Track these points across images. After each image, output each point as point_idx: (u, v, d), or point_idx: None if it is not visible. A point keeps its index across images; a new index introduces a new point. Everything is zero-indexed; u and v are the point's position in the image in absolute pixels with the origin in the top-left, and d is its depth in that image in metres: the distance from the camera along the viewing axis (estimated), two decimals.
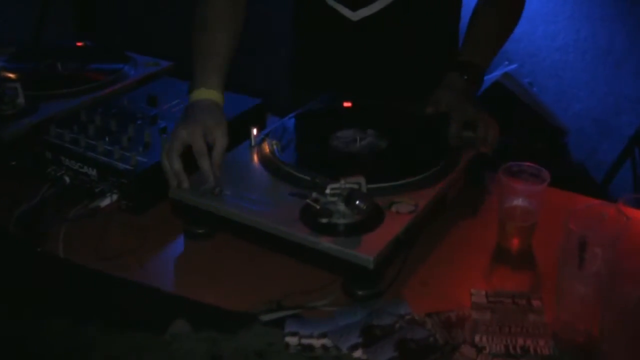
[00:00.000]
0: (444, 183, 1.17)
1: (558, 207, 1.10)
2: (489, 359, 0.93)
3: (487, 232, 1.19)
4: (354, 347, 0.94)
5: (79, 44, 1.79)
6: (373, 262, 0.99)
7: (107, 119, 1.37)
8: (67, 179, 1.28)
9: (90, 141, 1.29)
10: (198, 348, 0.96)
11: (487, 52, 1.44)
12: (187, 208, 1.15)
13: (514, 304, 1.03)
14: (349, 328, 0.97)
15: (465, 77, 1.38)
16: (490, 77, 2.76)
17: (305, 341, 0.96)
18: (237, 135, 1.26)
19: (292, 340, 0.96)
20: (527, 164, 1.15)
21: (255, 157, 1.24)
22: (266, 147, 1.25)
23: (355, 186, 1.05)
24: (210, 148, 1.19)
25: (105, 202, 1.24)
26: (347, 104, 1.43)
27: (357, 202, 1.03)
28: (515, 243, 1.16)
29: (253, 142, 1.27)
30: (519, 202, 1.15)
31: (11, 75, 1.58)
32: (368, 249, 1.00)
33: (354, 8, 1.44)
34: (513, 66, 2.88)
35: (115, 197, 1.24)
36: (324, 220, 1.04)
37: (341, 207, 1.04)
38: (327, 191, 1.05)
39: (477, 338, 0.96)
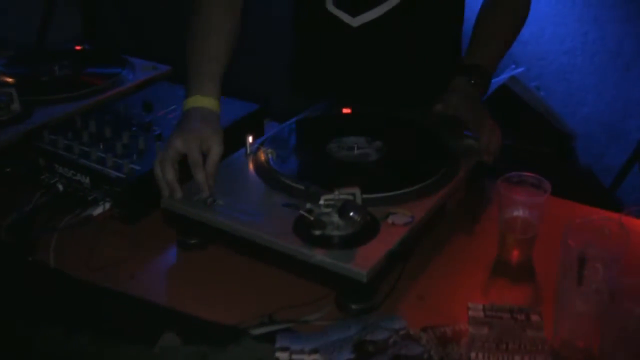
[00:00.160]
0: (442, 193, 1.14)
1: (560, 217, 1.06)
2: None
3: (486, 243, 1.17)
4: None
5: (77, 47, 1.78)
6: (366, 276, 0.96)
7: (102, 125, 1.35)
8: (61, 187, 1.27)
9: (84, 148, 1.28)
10: None
11: (493, 55, 1.43)
12: (179, 218, 1.13)
13: (512, 319, 1.00)
14: (342, 343, 0.95)
15: (472, 81, 1.36)
16: (496, 81, 2.73)
17: (296, 357, 0.94)
18: (234, 142, 1.24)
19: (282, 356, 0.94)
20: (528, 174, 1.13)
21: (251, 166, 1.22)
22: (261, 156, 1.23)
23: (350, 197, 1.03)
24: (204, 156, 1.17)
25: (98, 210, 1.22)
26: (344, 111, 1.41)
27: (351, 214, 1.00)
28: (515, 255, 1.14)
29: (248, 150, 1.25)
30: (519, 213, 1.12)
31: (8, 80, 1.57)
32: (361, 263, 0.98)
33: (353, 14, 1.42)
34: (520, 69, 2.85)
35: (108, 205, 1.22)
36: (317, 232, 1.02)
37: (335, 218, 1.02)
38: (321, 202, 1.02)
39: (473, 355, 0.93)
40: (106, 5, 3.07)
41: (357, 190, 1.04)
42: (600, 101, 2.92)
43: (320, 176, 1.16)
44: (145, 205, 1.22)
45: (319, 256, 0.99)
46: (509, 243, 1.13)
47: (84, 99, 1.49)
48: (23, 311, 1.05)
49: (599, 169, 2.85)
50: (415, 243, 1.07)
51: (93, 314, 1.05)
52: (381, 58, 1.48)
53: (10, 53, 1.76)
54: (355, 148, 1.24)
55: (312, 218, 1.02)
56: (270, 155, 1.22)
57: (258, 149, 1.25)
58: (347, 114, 1.41)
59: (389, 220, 1.06)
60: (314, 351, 0.94)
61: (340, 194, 1.03)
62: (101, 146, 1.28)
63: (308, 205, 1.04)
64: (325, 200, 1.02)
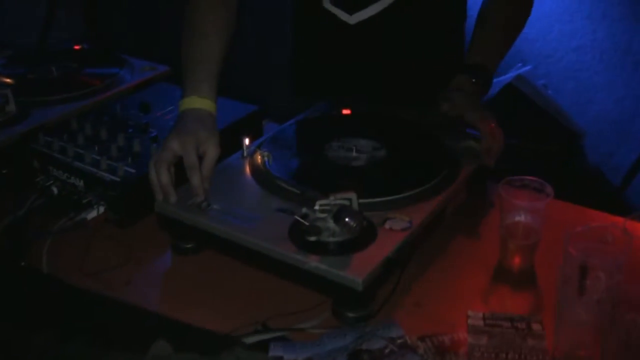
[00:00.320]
0: (442, 197, 1.12)
1: (564, 222, 1.04)
2: None
3: (487, 249, 1.14)
4: None
5: (76, 47, 1.76)
6: (362, 284, 0.94)
7: (98, 126, 1.33)
8: (55, 190, 1.25)
9: (79, 150, 1.26)
10: None
11: (495, 54, 1.41)
12: (173, 222, 1.11)
13: (512, 328, 0.97)
14: (336, 353, 0.92)
15: (474, 80, 1.34)
16: (503, 79, 2.69)
17: None
18: (232, 144, 1.22)
19: None
20: (530, 178, 1.10)
21: (247, 169, 1.19)
22: (258, 158, 1.21)
23: (346, 202, 1.00)
24: (200, 159, 1.15)
25: (92, 214, 1.21)
26: (343, 112, 1.38)
27: (347, 220, 0.98)
28: (516, 261, 1.11)
29: (245, 153, 1.23)
30: (521, 218, 1.09)
31: (6, 80, 1.55)
32: (357, 270, 0.95)
33: (350, 11, 1.40)
34: (527, 67, 2.81)
35: (102, 208, 1.21)
36: (312, 238, 0.99)
37: (330, 224, 0.99)
38: (316, 207, 1.00)
39: None
40: (108, 5, 3.06)
41: (353, 195, 1.01)
42: (609, 99, 2.88)
43: (317, 179, 1.14)
44: (140, 209, 1.20)
45: (314, 263, 0.97)
46: (511, 249, 1.10)
47: (81, 100, 1.47)
48: (15, 317, 1.03)
49: (608, 169, 2.81)
50: (413, 249, 1.05)
51: (85, 321, 1.03)
52: (379, 55, 1.45)
53: (9, 53, 1.74)
54: (354, 150, 1.22)
55: (307, 224, 1.00)
56: (266, 158, 1.19)
57: (255, 151, 1.23)
58: (346, 115, 1.39)
59: (387, 226, 1.04)
60: None
61: (336, 199, 1.00)
62: (96, 148, 1.26)
63: (304, 210, 1.02)
64: (321, 205, 1.00)
